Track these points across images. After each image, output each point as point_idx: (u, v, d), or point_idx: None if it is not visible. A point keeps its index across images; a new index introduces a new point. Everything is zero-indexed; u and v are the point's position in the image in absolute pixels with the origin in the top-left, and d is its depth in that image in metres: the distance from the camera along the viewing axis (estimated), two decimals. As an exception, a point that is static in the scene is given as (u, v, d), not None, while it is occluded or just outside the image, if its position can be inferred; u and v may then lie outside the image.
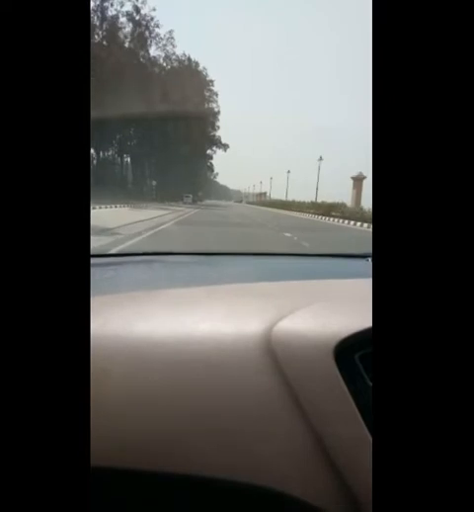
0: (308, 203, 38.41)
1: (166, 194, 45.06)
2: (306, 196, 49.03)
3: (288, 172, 65.68)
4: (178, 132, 43.29)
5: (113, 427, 0.51)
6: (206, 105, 51.76)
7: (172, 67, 48.59)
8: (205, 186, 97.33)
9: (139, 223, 12.32)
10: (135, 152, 49.23)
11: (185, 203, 44.53)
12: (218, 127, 54.90)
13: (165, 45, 47.05)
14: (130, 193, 40.16)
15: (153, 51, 47.93)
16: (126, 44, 42.94)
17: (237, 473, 0.51)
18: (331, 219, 24.53)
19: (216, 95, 54.16)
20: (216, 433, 0.51)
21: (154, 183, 48.07)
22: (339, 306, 0.65)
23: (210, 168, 66.63)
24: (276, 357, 0.54)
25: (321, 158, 43.69)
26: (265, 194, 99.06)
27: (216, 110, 53.66)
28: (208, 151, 56.88)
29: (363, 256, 1.29)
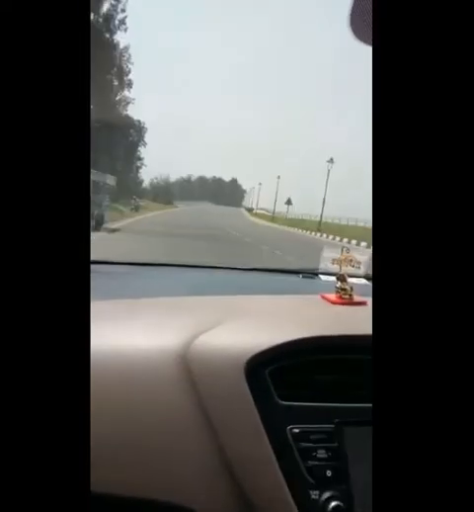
0: None
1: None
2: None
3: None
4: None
5: None
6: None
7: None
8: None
9: None
10: None
11: None
12: (129, 70, 28.36)
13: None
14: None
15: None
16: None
17: (152, 491, 0.52)
18: None
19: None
20: (132, 450, 0.52)
21: None
22: (257, 322, 0.68)
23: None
24: (192, 372, 0.55)
25: (332, 160, 28.03)
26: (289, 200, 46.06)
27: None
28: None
29: (297, 272, 1.29)
